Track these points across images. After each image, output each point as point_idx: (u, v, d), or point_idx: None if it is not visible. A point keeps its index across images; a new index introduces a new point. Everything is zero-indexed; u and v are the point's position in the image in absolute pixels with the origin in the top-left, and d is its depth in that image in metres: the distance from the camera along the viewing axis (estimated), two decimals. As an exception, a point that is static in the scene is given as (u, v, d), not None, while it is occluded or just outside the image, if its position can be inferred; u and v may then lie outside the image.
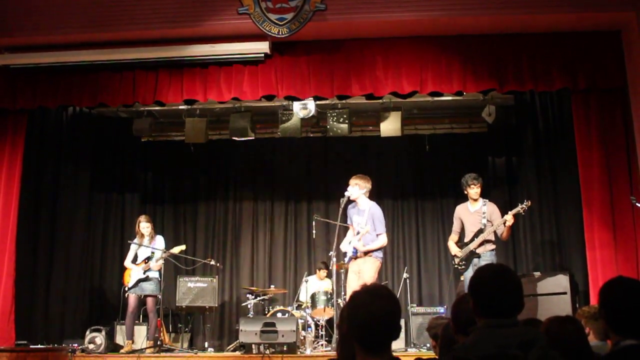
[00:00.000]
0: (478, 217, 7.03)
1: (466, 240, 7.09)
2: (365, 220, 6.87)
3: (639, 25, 6.45)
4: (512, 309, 2.45)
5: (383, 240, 6.93)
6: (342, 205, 7.01)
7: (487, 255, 6.87)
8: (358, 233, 6.89)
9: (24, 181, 7.66)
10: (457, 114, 9.48)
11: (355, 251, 6.87)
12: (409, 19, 6.77)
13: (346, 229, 7.27)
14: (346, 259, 7.06)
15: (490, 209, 7.04)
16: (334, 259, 7.10)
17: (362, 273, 6.75)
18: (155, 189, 10.15)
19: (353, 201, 7.06)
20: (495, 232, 6.95)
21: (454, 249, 7.18)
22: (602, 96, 6.94)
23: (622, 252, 6.59)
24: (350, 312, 2.26)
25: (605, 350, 3.04)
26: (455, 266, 7.11)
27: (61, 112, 8.78)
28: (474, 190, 7.12)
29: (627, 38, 6.77)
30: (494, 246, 6.99)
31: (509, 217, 6.77)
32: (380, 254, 6.95)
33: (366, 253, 6.83)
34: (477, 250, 6.92)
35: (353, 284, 6.73)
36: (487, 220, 6.95)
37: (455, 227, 7.30)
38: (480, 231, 6.94)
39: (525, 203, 6.85)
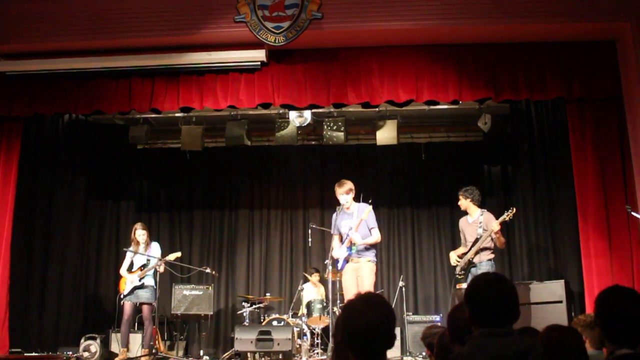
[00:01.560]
0: (475, 227, 7.12)
1: (466, 250, 7.16)
2: (357, 221, 6.90)
3: (634, 35, 6.49)
4: (507, 318, 2.45)
5: (377, 234, 6.97)
6: (337, 216, 7.05)
7: (483, 265, 6.92)
8: (348, 235, 6.89)
9: (19, 188, 7.64)
10: (453, 122, 9.51)
11: (350, 251, 6.87)
12: (405, 28, 6.79)
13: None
14: (339, 266, 7.04)
15: (486, 217, 7.11)
16: (330, 267, 7.09)
17: (362, 279, 6.78)
18: (150, 196, 10.13)
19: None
20: (493, 241, 6.99)
21: (452, 258, 7.29)
22: (597, 105, 6.96)
23: (617, 261, 6.60)
24: (345, 321, 2.25)
25: (601, 359, 3.04)
26: (456, 276, 7.19)
27: (57, 119, 8.78)
28: (459, 203, 7.32)
29: (621, 48, 6.80)
30: (491, 255, 7.04)
31: (495, 225, 6.83)
32: (375, 257, 6.99)
33: (366, 249, 6.87)
34: (474, 260, 6.99)
35: (351, 289, 6.74)
36: (483, 230, 7.02)
37: (462, 239, 7.42)
38: (477, 240, 6.99)
39: (510, 210, 6.92)
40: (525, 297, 7.14)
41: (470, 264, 7.00)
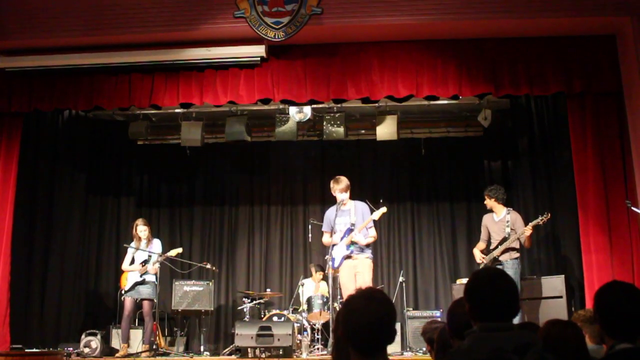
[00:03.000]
0: (502, 225, 7.15)
1: (492, 247, 7.21)
2: (355, 218, 6.93)
3: (634, 29, 6.47)
4: (507, 313, 2.45)
5: (374, 232, 7.10)
6: (334, 213, 7.08)
7: (509, 264, 6.94)
8: (347, 232, 6.93)
9: (20, 185, 7.63)
10: (453, 117, 9.49)
11: (351, 249, 6.90)
12: (404, 23, 6.78)
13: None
14: (336, 264, 7.05)
15: (513, 217, 7.15)
16: (330, 263, 7.10)
17: (362, 275, 6.85)
18: (151, 192, 10.13)
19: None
20: (520, 240, 7.02)
21: (478, 255, 7.33)
22: (597, 100, 6.95)
23: (617, 256, 6.60)
24: (346, 316, 2.26)
25: (601, 354, 3.04)
26: None
27: (57, 115, 8.77)
28: (485, 202, 7.37)
29: (621, 42, 6.79)
30: (518, 254, 7.07)
31: (528, 229, 6.86)
32: (372, 254, 7.10)
33: (366, 246, 6.96)
34: (500, 258, 7.03)
35: (350, 285, 6.79)
36: (511, 229, 7.06)
37: (483, 235, 7.46)
38: (505, 239, 7.04)
39: (545, 215, 6.90)
40: (525, 292, 7.16)
41: (496, 261, 7.02)
